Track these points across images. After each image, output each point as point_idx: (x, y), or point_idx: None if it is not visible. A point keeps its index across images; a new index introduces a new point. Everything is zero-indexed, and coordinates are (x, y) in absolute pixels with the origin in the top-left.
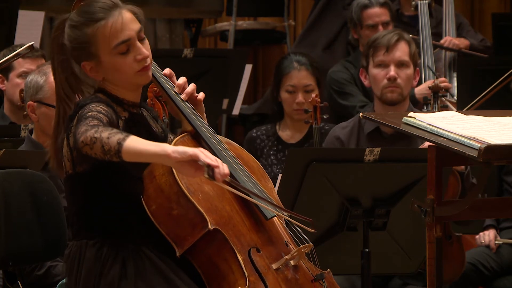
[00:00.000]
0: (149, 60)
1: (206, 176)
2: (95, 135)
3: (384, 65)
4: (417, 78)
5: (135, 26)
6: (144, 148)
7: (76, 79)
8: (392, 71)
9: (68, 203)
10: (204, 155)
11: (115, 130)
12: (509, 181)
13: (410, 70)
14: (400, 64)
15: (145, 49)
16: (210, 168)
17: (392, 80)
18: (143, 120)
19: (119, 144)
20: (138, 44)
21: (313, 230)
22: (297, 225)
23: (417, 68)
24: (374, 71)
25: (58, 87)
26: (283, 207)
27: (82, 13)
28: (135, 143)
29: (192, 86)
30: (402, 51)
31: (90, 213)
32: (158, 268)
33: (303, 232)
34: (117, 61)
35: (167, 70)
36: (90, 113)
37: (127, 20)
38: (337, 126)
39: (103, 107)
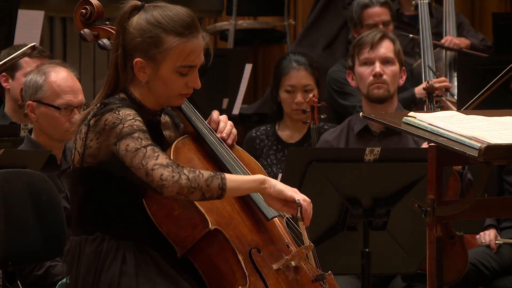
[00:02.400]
0: (193, 90)
1: (299, 215)
2: (192, 185)
3: (369, 62)
4: (404, 77)
5: (203, 56)
6: (243, 187)
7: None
8: (378, 67)
9: (70, 197)
10: (301, 198)
11: (207, 174)
12: (509, 180)
13: (395, 67)
14: (385, 61)
15: None
16: (302, 211)
17: (378, 76)
18: (157, 128)
19: (222, 189)
20: (197, 73)
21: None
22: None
23: (403, 68)
24: (360, 69)
25: (111, 65)
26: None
27: (166, 17)
28: (233, 183)
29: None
30: (386, 48)
31: (91, 209)
32: (159, 265)
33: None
34: (172, 77)
35: None
36: (137, 134)
37: (201, 48)
38: (327, 132)
39: (138, 118)
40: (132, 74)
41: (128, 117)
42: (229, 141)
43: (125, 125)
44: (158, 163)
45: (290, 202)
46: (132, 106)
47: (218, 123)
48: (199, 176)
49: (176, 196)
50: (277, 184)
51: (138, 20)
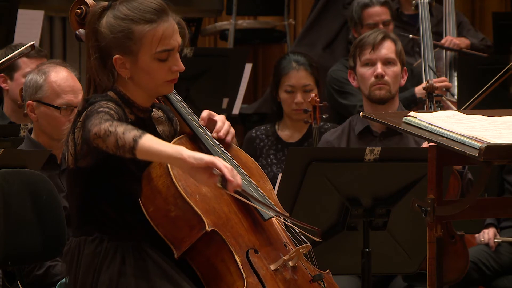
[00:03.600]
0: (178, 74)
1: (219, 185)
2: (110, 129)
3: (371, 63)
4: (405, 77)
5: (179, 38)
6: (159, 148)
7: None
8: (379, 68)
9: (68, 198)
10: (221, 164)
11: (130, 126)
12: (510, 180)
13: (397, 68)
14: (387, 62)
15: None
16: (224, 178)
17: (380, 77)
18: (149, 125)
19: (135, 141)
20: (177, 55)
21: (319, 239)
22: (298, 229)
23: (405, 68)
24: (362, 70)
25: (88, 70)
26: (283, 210)
27: (132, 8)
28: (151, 142)
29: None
30: (388, 48)
31: (90, 210)
32: (158, 265)
33: (302, 233)
34: (153, 66)
35: None
36: (101, 109)
37: (175, 30)
38: (328, 132)
39: (113, 106)
40: (115, 73)
41: (102, 102)
42: (228, 138)
43: (95, 107)
44: (100, 120)
45: (212, 173)
46: (113, 100)
47: (206, 120)
48: (121, 125)
49: (94, 138)
50: (195, 153)
51: (107, 19)
